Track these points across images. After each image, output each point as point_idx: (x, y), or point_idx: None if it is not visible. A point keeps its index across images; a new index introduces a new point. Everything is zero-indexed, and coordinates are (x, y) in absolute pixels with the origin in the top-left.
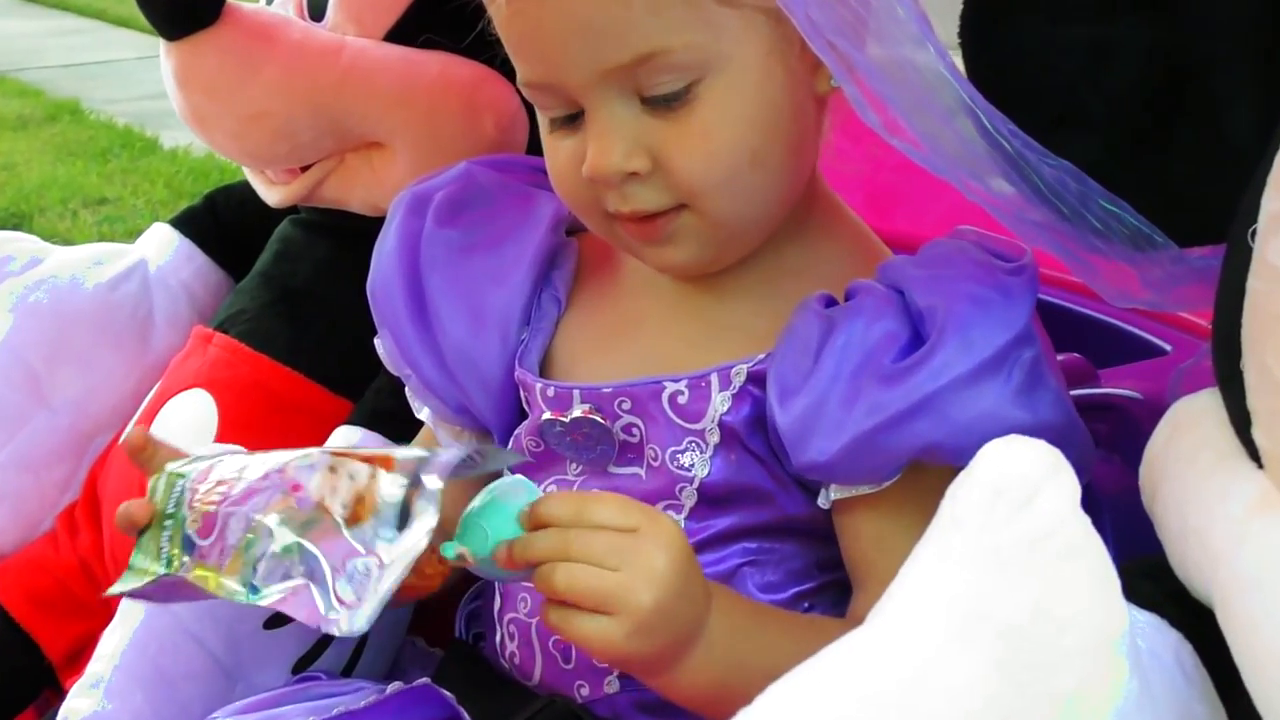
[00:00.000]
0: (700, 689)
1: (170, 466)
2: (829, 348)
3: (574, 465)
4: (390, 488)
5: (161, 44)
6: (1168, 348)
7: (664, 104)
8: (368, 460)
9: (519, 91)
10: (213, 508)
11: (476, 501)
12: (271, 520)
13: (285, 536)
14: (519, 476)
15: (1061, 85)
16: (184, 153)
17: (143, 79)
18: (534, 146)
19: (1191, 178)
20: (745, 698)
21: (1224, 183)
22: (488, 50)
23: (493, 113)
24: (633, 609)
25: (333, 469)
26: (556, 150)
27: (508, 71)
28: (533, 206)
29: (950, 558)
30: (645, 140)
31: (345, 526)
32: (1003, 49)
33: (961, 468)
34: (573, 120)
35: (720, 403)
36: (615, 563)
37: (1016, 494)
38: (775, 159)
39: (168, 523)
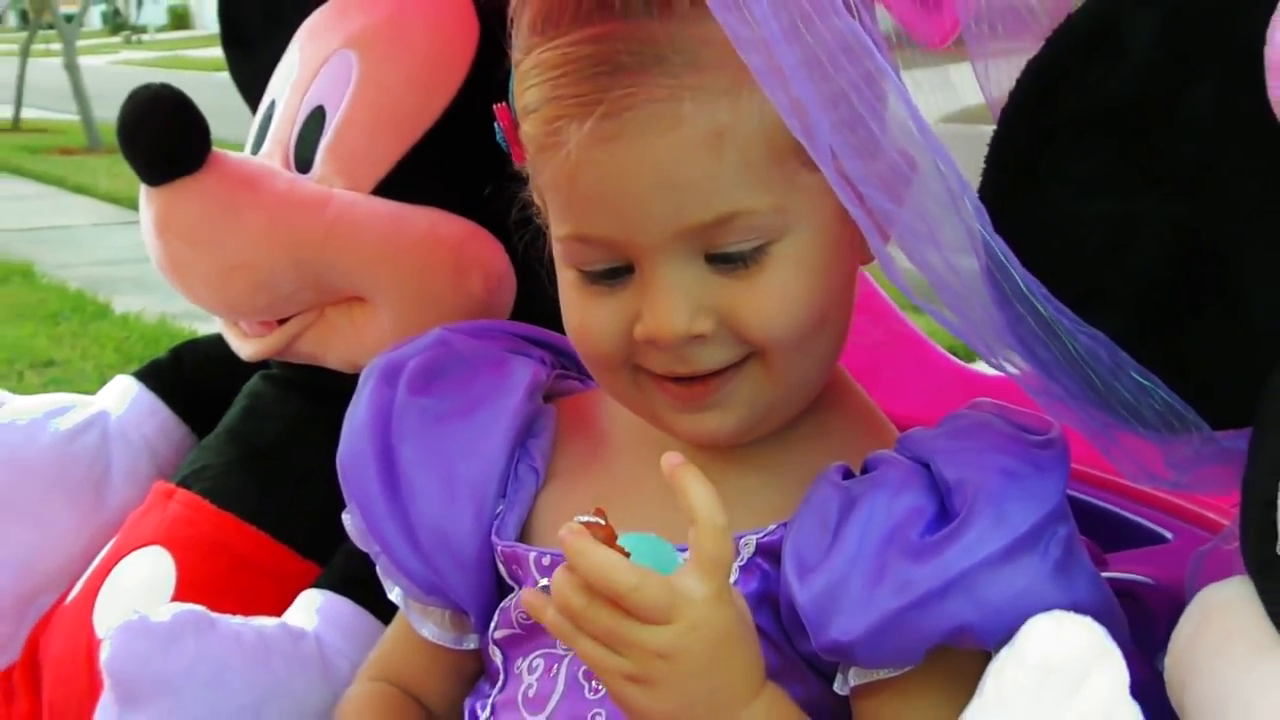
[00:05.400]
0: None
1: None
2: (851, 522)
3: None
4: None
5: (142, 190)
6: (1169, 535)
7: (731, 263)
8: None
9: (507, 252)
10: None
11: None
12: None
13: None
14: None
15: (1085, 261)
16: (135, 319)
17: (96, 245)
18: (519, 310)
19: (1219, 360)
20: None
21: (1251, 367)
22: (477, 208)
23: (480, 272)
24: (688, 621)
25: None
26: (592, 308)
27: (496, 229)
28: (508, 373)
29: None
30: (710, 300)
31: None
32: (1024, 222)
33: (991, 651)
34: (616, 276)
35: None
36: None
37: (1067, 676)
38: (839, 322)
39: None
